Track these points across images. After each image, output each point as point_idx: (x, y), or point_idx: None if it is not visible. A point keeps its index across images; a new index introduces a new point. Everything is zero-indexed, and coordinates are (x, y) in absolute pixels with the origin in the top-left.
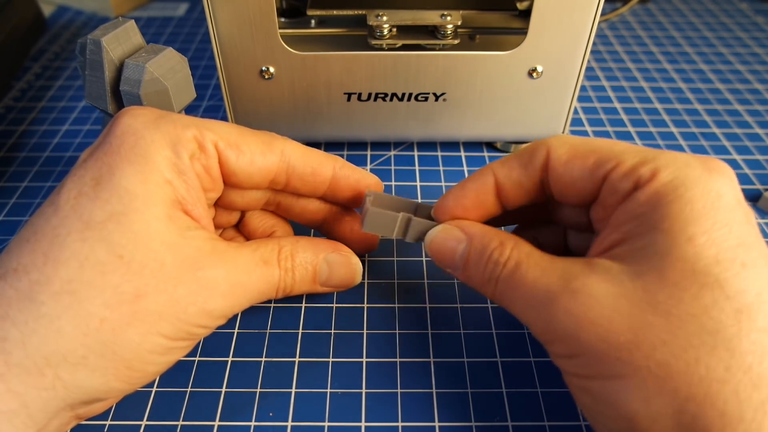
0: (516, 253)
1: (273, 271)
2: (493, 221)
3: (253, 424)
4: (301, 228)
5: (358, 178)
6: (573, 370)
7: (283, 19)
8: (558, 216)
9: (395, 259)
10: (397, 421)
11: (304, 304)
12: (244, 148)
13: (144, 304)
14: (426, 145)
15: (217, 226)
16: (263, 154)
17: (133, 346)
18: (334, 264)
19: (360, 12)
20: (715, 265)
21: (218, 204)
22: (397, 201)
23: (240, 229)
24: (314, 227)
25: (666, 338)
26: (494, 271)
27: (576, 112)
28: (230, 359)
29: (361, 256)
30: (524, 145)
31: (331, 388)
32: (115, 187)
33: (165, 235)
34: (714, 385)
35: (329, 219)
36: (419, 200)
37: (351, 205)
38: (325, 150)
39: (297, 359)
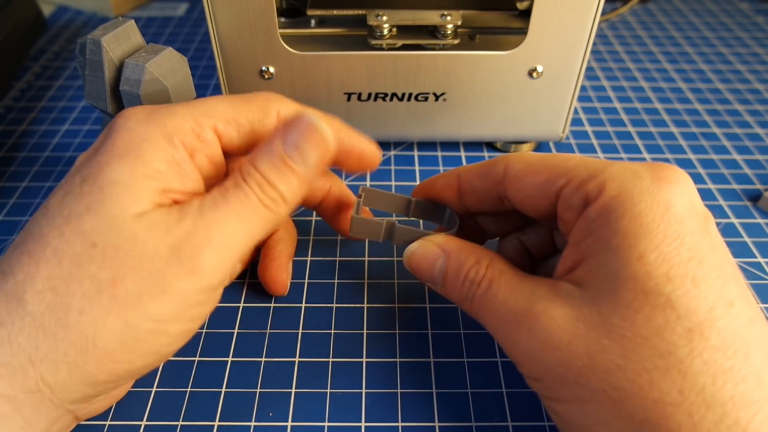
0: (490, 272)
1: (243, 192)
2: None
3: (253, 424)
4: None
5: (355, 142)
6: (541, 392)
7: (283, 19)
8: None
9: (395, 259)
10: (397, 421)
11: (304, 305)
12: (243, 121)
13: (123, 287)
14: (426, 145)
15: None
16: (261, 122)
17: (115, 335)
18: (297, 139)
19: (360, 12)
20: (666, 284)
21: None
22: (389, 197)
23: None
24: (313, 208)
25: (620, 362)
26: (470, 289)
27: (576, 112)
28: (230, 359)
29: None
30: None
31: (331, 388)
32: (99, 181)
33: (142, 217)
34: (668, 408)
35: (327, 199)
36: None
37: (350, 168)
38: None
39: (297, 359)
